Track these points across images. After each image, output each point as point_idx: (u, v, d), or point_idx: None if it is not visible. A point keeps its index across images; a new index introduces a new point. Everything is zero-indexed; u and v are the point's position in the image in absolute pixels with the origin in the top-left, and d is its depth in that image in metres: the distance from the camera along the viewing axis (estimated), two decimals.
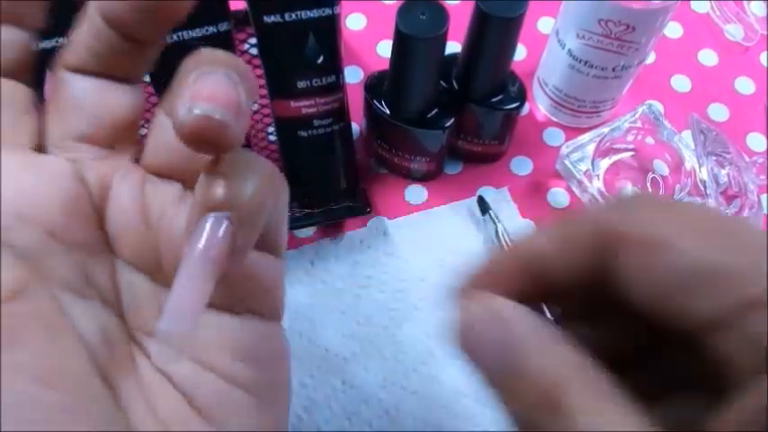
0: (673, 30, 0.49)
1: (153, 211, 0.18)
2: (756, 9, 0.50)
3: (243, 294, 0.19)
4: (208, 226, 0.16)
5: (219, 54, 0.17)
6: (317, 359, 0.36)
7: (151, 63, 0.19)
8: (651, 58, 0.47)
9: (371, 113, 0.38)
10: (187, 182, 0.19)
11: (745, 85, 0.46)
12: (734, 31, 0.49)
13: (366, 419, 0.35)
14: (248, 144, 0.35)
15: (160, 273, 0.18)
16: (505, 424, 0.15)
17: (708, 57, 0.48)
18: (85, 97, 0.18)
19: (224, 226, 0.16)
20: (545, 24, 0.48)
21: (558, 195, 0.42)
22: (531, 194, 0.42)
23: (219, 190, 0.16)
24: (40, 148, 0.18)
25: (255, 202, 0.16)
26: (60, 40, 0.29)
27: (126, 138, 0.19)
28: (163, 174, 0.19)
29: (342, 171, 0.38)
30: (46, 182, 0.17)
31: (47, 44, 0.29)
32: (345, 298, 0.38)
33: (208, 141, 0.15)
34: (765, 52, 0.48)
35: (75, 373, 0.16)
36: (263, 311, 0.19)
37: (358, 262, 0.39)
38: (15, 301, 0.15)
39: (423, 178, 0.42)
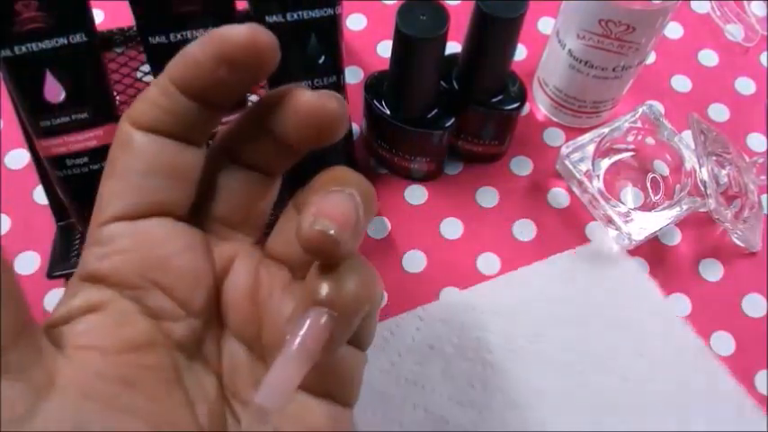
0: (673, 30, 0.49)
1: (263, 291, 0.21)
2: (757, 9, 0.50)
3: (325, 380, 0.21)
4: (310, 320, 0.18)
5: (349, 174, 0.20)
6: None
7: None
8: (651, 59, 0.47)
9: (371, 113, 0.38)
10: (296, 270, 0.22)
11: (745, 86, 0.47)
12: (734, 32, 0.49)
13: None
14: None
15: (258, 346, 0.21)
16: None
17: (708, 57, 0.48)
18: (234, 186, 0.21)
19: (324, 321, 0.18)
20: (545, 24, 0.48)
21: (558, 195, 0.42)
22: (532, 194, 0.42)
23: (325, 289, 0.18)
24: (185, 217, 0.20)
25: (354, 304, 0.19)
26: (60, 40, 0.29)
27: (255, 223, 0.23)
28: (278, 258, 0.22)
29: None
30: (184, 254, 0.20)
31: (47, 44, 0.29)
32: (456, 362, 0.36)
33: (322, 253, 0.18)
34: (766, 52, 0.48)
35: (181, 425, 0.19)
36: (340, 397, 0.21)
37: (464, 324, 0.37)
38: (142, 353, 0.18)
39: (423, 178, 0.42)
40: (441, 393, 0.35)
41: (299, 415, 0.20)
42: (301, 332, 0.18)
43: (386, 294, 0.38)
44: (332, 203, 0.18)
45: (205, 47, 0.18)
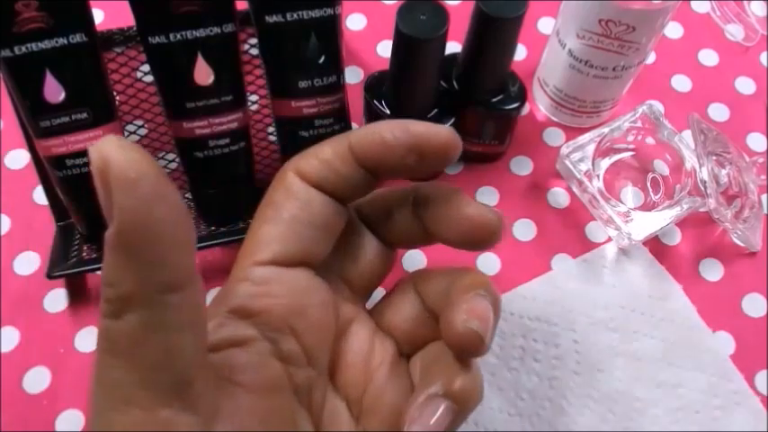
0: (673, 30, 0.49)
1: (374, 360, 0.23)
2: (757, 9, 0.50)
3: None
4: (434, 408, 0.20)
5: (485, 280, 0.22)
6: None
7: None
8: (651, 58, 0.47)
9: (371, 114, 0.38)
10: (401, 346, 0.24)
11: (745, 85, 0.46)
12: (734, 32, 0.49)
13: None
14: (249, 144, 0.35)
15: (357, 407, 0.23)
16: None
17: (708, 57, 0.48)
18: (366, 252, 0.23)
19: (445, 411, 0.20)
20: (545, 24, 0.48)
21: (558, 195, 0.42)
22: (531, 194, 0.42)
23: (460, 383, 0.20)
24: (320, 272, 0.22)
25: (472, 400, 0.20)
26: (60, 40, 0.29)
27: (370, 290, 0.24)
28: (388, 331, 0.24)
29: None
30: (320, 307, 0.21)
31: (47, 44, 0.29)
32: (501, 372, 0.36)
33: (469, 349, 0.20)
34: (766, 52, 0.48)
35: None
36: None
37: (505, 332, 0.37)
38: (277, 394, 0.20)
39: (423, 178, 0.42)
40: (489, 405, 0.35)
41: None
42: (432, 419, 0.19)
43: None
44: (479, 306, 0.20)
45: (399, 135, 0.20)
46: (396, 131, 0.20)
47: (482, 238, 0.21)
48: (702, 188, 0.37)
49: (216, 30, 0.31)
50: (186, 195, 0.37)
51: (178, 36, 0.30)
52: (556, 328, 0.37)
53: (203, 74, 0.31)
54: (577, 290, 0.38)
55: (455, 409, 0.20)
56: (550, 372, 0.36)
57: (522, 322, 0.37)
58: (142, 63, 0.40)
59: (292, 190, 0.21)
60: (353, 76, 0.45)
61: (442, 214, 0.21)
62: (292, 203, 0.21)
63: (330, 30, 0.32)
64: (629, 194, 0.41)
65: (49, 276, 0.35)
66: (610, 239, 0.40)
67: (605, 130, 0.41)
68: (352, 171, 0.21)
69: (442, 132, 0.20)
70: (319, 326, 0.21)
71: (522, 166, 0.43)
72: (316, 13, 0.31)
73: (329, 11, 0.31)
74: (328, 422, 0.22)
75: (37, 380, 0.35)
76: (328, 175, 0.21)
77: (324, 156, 0.21)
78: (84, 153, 0.32)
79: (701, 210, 0.39)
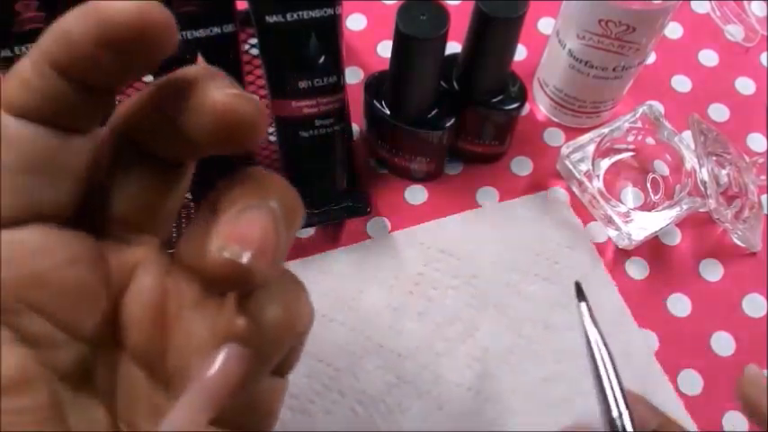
0: (673, 30, 0.49)
1: (169, 311, 0.18)
2: (757, 9, 0.50)
3: (240, 413, 0.18)
4: (222, 357, 0.16)
5: (270, 178, 0.17)
6: (372, 355, 0.36)
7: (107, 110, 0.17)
8: (651, 59, 0.47)
9: (372, 114, 0.38)
10: (209, 283, 0.18)
11: (745, 86, 0.46)
12: (734, 32, 0.49)
13: (421, 414, 0.35)
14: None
15: (161, 370, 0.18)
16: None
17: (708, 57, 0.48)
18: (135, 179, 0.18)
19: (238, 357, 0.16)
20: (545, 24, 0.48)
21: (559, 195, 0.42)
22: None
23: (241, 322, 0.16)
24: (71, 221, 0.17)
25: (274, 339, 0.16)
26: None
27: (161, 223, 0.19)
28: (189, 268, 0.18)
29: (342, 171, 0.38)
30: (66, 269, 0.16)
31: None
32: (397, 294, 0.38)
33: (232, 285, 0.15)
34: (766, 52, 0.48)
35: None
36: (255, 429, 0.19)
37: (410, 258, 0.39)
38: (16, 396, 0.15)
39: (423, 179, 0.42)
40: (381, 323, 0.37)
41: None
42: (211, 372, 0.16)
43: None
44: (248, 223, 0.15)
45: (80, 22, 0.14)
46: (79, 18, 0.14)
47: (232, 131, 0.16)
48: (702, 188, 0.37)
49: (216, 30, 0.31)
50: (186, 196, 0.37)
51: (178, 36, 0.30)
52: (459, 262, 0.39)
53: None
54: (490, 231, 0.40)
55: (248, 354, 0.16)
56: (443, 300, 0.38)
57: (428, 252, 0.39)
58: None
59: None
60: (353, 76, 0.45)
61: (187, 103, 0.16)
62: None
63: (330, 30, 0.32)
64: (629, 194, 0.41)
65: None
66: (609, 239, 0.40)
67: (605, 130, 0.41)
68: (55, 86, 0.15)
69: (129, 7, 0.14)
70: (70, 290, 0.16)
71: (522, 167, 0.43)
72: (316, 13, 0.31)
73: (329, 11, 0.31)
74: (125, 397, 0.18)
75: None
76: (30, 96, 0.15)
77: (21, 73, 0.15)
78: None
79: (701, 210, 0.39)
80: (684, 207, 0.38)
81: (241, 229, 0.15)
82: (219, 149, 0.16)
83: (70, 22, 0.15)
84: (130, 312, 0.18)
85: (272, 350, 0.17)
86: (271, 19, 0.31)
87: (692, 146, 0.39)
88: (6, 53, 0.29)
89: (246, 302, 0.16)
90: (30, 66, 0.15)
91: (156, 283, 0.18)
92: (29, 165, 0.15)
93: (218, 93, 0.16)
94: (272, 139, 0.39)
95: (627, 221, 0.38)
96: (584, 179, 0.39)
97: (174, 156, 0.18)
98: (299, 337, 0.18)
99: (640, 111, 0.41)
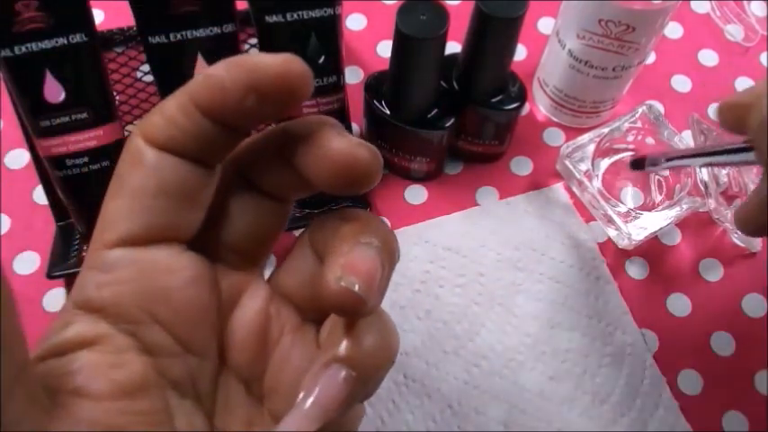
0: (673, 30, 0.49)
1: (272, 331, 0.20)
2: (757, 9, 0.50)
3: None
4: (328, 377, 0.17)
5: (374, 222, 0.19)
6: None
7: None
8: (651, 59, 0.47)
9: (371, 114, 0.38)
10: (305, 312, 0.21)
11: (745, 86, 0.46)
12: (734, 32, 0.49)
13: (429, 413, 0.35)
14: None
15: (258, 387, 0.20)
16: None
17: (708, 57, 0.48)
18: (247, 212, 0.20)
19: (342, 380, 0.17)
20: (545, 24, 0.48)
21: (559, 195, 0.42)
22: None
23: (345, 348, 0.18)
24: (192, 244, 0.19)
25: (374, 365, 0.18)
26: (60, 40, 0.29)
27: (264, 252, 0.21)
28: (287, 296, 0.21)
29: None
30: (189, 288, 0.18)
31: (47, 44, 0.29)
32: (404, 292, 0.38)
33: (347, 311, 0.17)
34: (766, 52, 0.48)
35: None
36: None
37: (416, 256, 0.39)
38: (134, 398, 0.17)
39: (423, 178, 0.42)
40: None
41: None
42: (318, 389, 0.17)
43: None
44: (360, 258, 0.17)
45: (232, 73, 0.17)
46: (231, 68, 0.17)
47: (352, 178, 0.18)
48: (702, 188, 0.37)
49: (216, 30, 0.31)
50: None
51: (178, 36, 0.30)
52: (464, 260, 0.39)
53: None
54: (494, 228, 0.40)
55: (353, 377, 0.17)
56: (451, 298, 0.38)
57: (434, 250, 0.39)
58: (142, 63, 0.40)
59: (136, 156, 0.18)
60: (353, 76, 0.45)
61: (306, 152, 0.18)
62: (138, 172, 0.17)
63: (330, 30, 0.32)
64: (629, 194, 0.41)
65: (49, 276, 0.35)
66: (609, 239, 0.40)
67: (605, 130, 0.41)
68: (199, 125, 0.17)
69: (276, 60, 0.16)
70: (191, 307, 0.18)
71: (522, 167, 0.43)
72: (316, 13, 0.31)
73: (329, 11, 0.31)
74: (222, 409, 0.20)
75: None
76: (175, 133, 0.17)
77: (167, 112, 0.17)
78: (84, 153, 0.32)
79: (701, 210, 0.39)
80: (684, 207, 0.38)
81: (355, 263, 0.17)
82: (336, 192, 0.18)
83: (221, 70, 0.17)
84: (236, 333, 0.20)
85: (371, 374, 0.18)
86: (271, 19, 0.31)
87: (692, 146, 0.39)
88: (6, 53, 0.29)
89: (351, 331, 0.18)
90: (176, 106, 0.17)
91: (260, 308, 0.20)
92: (167, 191, 0.18)
93: (340, 141, 0.18)
94: None
95: (627, 221, 0.38)
96: (584, 179, 0.39)
97: (280, 192, 0.20)
98: (392, 365, 0.19)
99: (640, 111, 0.41)
